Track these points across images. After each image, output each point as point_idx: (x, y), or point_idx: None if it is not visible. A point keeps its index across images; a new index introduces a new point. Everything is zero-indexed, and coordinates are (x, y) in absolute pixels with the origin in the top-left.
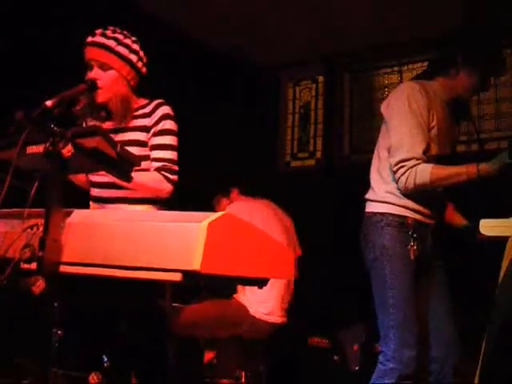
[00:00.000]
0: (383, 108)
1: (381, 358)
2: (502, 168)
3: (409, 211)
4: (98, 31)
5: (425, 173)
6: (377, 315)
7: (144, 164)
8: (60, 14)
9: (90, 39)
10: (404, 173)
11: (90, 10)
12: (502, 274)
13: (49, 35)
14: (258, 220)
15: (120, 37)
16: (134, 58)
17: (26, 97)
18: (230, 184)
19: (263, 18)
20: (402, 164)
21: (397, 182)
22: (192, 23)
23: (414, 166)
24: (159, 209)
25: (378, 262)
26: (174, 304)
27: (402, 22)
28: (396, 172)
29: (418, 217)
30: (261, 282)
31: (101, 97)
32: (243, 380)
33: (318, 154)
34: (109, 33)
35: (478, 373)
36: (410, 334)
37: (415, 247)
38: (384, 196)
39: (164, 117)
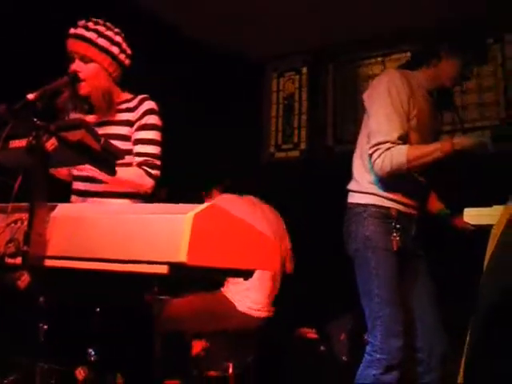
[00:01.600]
0: (365, 97)
1: (368, 348)
2: (480, 146)
3: (392, 202)
4: (81, 23)
5: (400, 153)
6: (362, 306)
7: (127, 158)
8: (56, 13)
9: (72, 31)
10: (380, 155)
11: (90, 10)
12: (485, 263)
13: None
14: (245, 214)
15: (101, 29)
16: (115, 50)
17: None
18: (211, 183)
19: (248, 10)
20: (377, 147)
21: (372, 166)
22: (177, 14)
23: (389, 148)
24: (140, 203)
25: (362, 253)
26: (160, 297)
27: (385, 12)
28: (371, 155)
29: (401, 207)
30: (246, 274)
31: (83, 89)
32: (231, 371)
33: (302, 145)
34: (91, 25)
35: (461, 371)
36: (396, 324)
37: (398, 238)
38: (367, 187)
39: (148, 111)
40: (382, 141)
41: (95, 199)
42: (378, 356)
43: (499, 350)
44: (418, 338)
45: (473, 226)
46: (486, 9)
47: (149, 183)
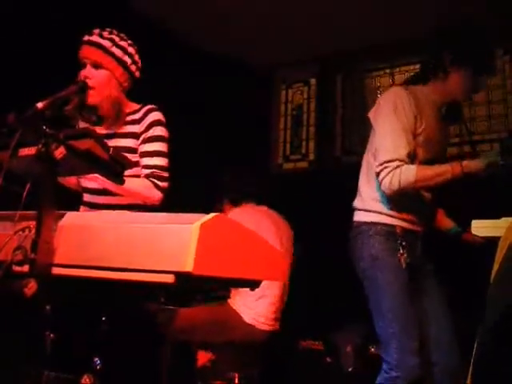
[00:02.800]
0: (371, 114)
1: (384, 366)
2: (490, 167)
3: (396, 220)
4: (96, 31)
5: (409, 173)
6: (375, 324)
7: (134, 170)
8: (56, 15)
9: (86, 38)
10: (388, 173)
11: (88, 13)
12: (493, 274)
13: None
14: (260, 227)
15: (116, 38)
16: (128, 60)
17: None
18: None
19: (257, 21)
20: (386, 165)
21: (380, 184)
22: (186, 24)
23: (398, 167)
24: None
25: (370, 272)
26: (167, 307)
27: (394, 24)
28: (379, 173)
29: (405, 225)
30: (253, 284)
31: (92, 97)
32: (236, 382)
33: (311, 156)
34: (105, 34)
35: (470, 374)
36: (411, 341)
37: (405, 255)
38: (372, 205)
39: (154, 123)
40: (390, 159)
41: (103, 212)
42: (395, 374)
43: (506, 359)
44: (433, 352)
45: (481, 238)
46: (494, 20)
47: (157, 195)
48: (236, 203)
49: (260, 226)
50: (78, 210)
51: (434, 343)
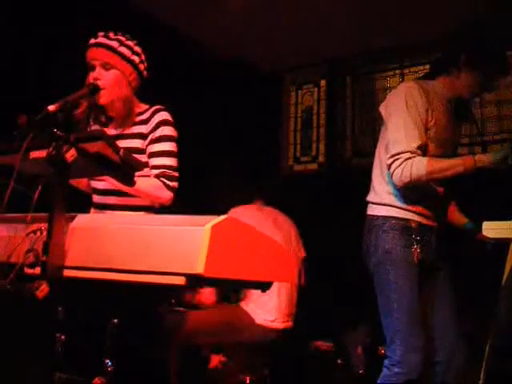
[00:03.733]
0: (382, 108)
1: (386, 362)
2: (502, 162)
3: (411, 214)
4: (100, 33)
5: (421, 164)
6: (381, 320)
7: (143, 171)
8: (59, 16)
9: (92, 41)
10: (399, 165)
11: (93, 15)
12: (505, 275)
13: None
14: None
15: (122, 38)
16: (136, 59)
17: (26, 102)
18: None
19: (266, 23)
20: (397, 157)
21: (391, 176)
22: (196, 28)
23: (409, 158)
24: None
25: (381, 266)
26: (178, 309)
27: (404, 24)
28: (391, 165)
29: (420, 219)
30: (264, 286)
31: (103, 98)
32: None
33: (321, 158)
34: (111, 35)
35: (482, 374)
36: (416, 338)
37: (419, 250)
38: (386, 198)
39: (161, 123)
40: (402, 151)
41: (115, 212)
42: (396, 370)
43: None
44: (437, 351)
45: (492, 239)
46: (506, 22)
47: (167, 195)
48: (245, 202)
49: (261, 227)
50: (88, 212)
51: (439, 342)
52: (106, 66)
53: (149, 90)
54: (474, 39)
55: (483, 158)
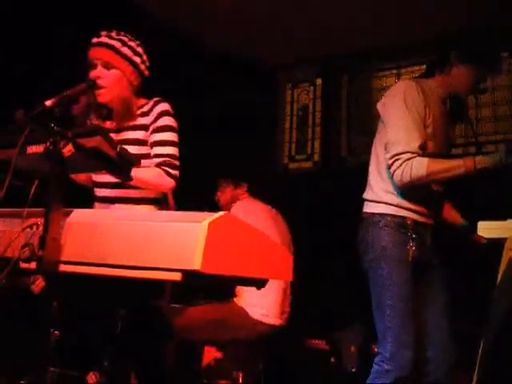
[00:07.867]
0: (379, 106)
1: (377, 359)
2: (499, 164)
3: (407, 211)
4: (103, 33)
5: (421, 165)
6: (374, 316)
7: (144, 162)
8: (59, 16)
9: (95, 40)
10: (399, 166)
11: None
12: (499, 275)
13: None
14: (260, 223)
15: (125, 39)
16: (137, 59)
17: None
18: (240, 178)
19: (262, 20)
20: (397, 157)
21: (392, 176)
22: (190, 23)
23: (410, 159)
24: (162, 209)
25: (376, 263)
26: (173, 305)
27: (400, 24)
28: (391, 166)
29: (416, 217)
30: (260, 283)
31: (103, 96)
32: (241, 381)
33: (316, 157)
34: (114, 34)
35: (476, 374)
36: (407, 335)
37: (414, 248)
38: (382, 196)
39: (162, 113)
40: (402, 151)
41: (119, 205)
42: (387, 367)
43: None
44: (428, 349)
45: (486, 239)
46: (501, 22)
47: (169, 183)
48: (236, 185)
49: (258, 223)
50: (92, 206)
51: (430, 340)
52: (108, 66)
53: (145, 87)
54: (462, 34)
55: (483, 161)
